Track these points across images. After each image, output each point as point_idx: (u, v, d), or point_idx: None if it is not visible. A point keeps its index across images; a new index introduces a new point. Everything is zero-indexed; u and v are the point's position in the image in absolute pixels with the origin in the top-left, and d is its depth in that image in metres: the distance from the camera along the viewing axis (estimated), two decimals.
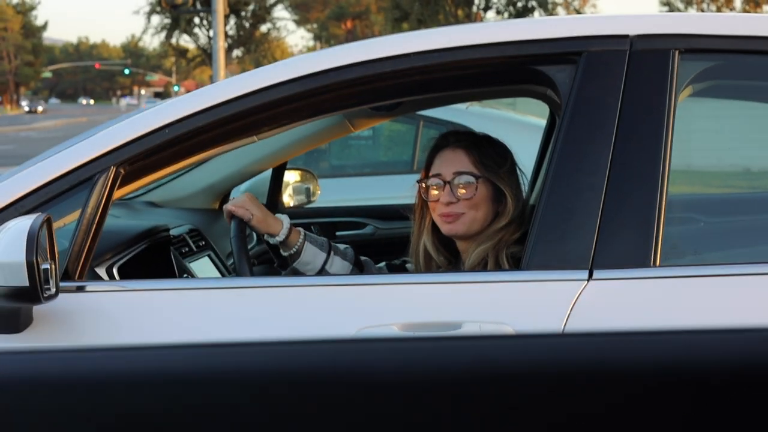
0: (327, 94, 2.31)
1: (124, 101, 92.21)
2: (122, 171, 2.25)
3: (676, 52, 2.17)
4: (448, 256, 2.64)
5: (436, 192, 2.56)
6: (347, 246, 2.78)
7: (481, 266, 2.49)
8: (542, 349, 1.23)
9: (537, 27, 2.34)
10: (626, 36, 2.19)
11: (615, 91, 2.15)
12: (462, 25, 2.58)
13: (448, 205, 2.53)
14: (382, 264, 2.88)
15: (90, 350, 1.43)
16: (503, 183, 2.55)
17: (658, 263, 2.05)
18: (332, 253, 2.70)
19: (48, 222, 2.04)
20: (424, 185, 2.59)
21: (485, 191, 2.54)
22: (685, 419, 1.16)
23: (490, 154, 2.57)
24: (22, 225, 1.97)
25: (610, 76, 2.16)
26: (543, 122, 3.80)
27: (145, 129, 2.25)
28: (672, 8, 43.56)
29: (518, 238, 2.48)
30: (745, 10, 41.84)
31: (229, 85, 2.31)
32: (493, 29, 2.36)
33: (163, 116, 2.27)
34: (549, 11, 39.47)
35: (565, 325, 1.99)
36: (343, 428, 1.15)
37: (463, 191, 2.52)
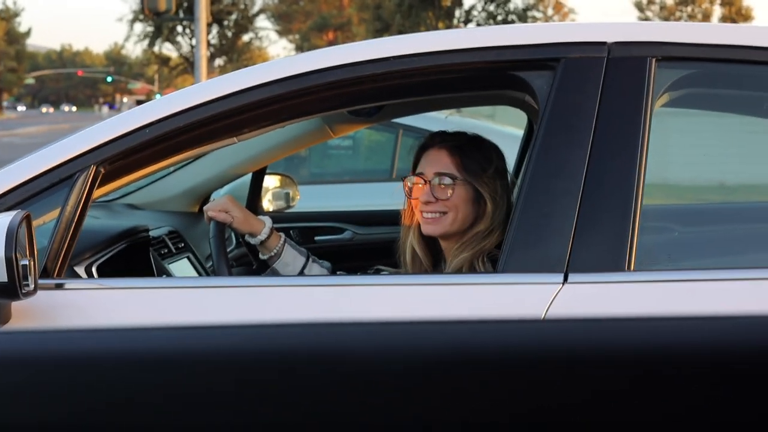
0: (307, 96, 2.31)
1: (105, 108, 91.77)
2: (102, 170, 2.24)
3: (653, 60, 2.18)
4: (434, 256, 2.66)
5: (417, 191, 2.59)
6: (324, 261, 2.82)
7: (463, 271, 2.50)
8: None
9: (516, 33, 2.35)
10: (604, 43, 2.20)
11: (592, 97, 2.15)
12: (442, 30, 2.60)
13: (427, 204, 2.56)
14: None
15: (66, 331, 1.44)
16: (483, 187, 2.55)
17: (632, 268, 2.06)
18: (311, 260, 2.74)
19: (27, 219, 2.03)
20: (408, 183, 2.61)
21: (464, 194, 2.55)
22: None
23: (474, 157, 2.57)
24: (1, 221, 1.96)
25: (588, 82, 2.16)
26: (521, 132, 3.83)
27: (125, 128, 2.25)
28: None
29: (498, 243, 2.49)
30: None
31: (209, 87, 2.31)
32: (474, 34, 2.36)
33: (143, 116, 2.27)
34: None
35: None
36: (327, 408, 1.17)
37: (441, 192, 2.54)
